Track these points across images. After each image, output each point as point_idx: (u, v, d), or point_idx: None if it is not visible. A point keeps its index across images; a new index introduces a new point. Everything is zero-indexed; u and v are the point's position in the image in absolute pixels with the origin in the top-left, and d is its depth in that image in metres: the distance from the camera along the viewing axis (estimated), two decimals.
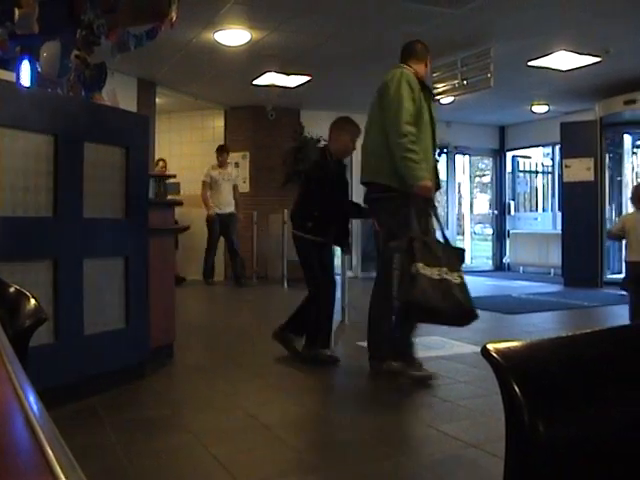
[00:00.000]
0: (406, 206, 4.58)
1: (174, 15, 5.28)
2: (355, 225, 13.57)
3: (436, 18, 7.75)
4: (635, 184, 9.68)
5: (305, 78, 10.75)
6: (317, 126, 13.00)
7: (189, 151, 12.91)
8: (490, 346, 1.01)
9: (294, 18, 7.84)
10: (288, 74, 10.49)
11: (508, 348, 1.02)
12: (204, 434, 3.49)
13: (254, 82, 10.89)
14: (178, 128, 13.21)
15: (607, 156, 12.09)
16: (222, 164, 11.87)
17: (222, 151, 11.88)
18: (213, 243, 11.86)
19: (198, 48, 8.93)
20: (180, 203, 6.17)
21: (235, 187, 11.98)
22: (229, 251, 11.93)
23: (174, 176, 9.88)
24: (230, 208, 11.81)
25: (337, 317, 6.56)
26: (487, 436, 3.57)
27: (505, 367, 0.97)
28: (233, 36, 8.39)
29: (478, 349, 5.72)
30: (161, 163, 11.78)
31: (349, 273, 8.44)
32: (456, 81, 9.69)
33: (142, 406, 4.18)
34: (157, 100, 11.36)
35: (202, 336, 6.92)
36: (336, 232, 5.64)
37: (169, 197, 6.65)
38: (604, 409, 0.97)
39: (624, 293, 7.85)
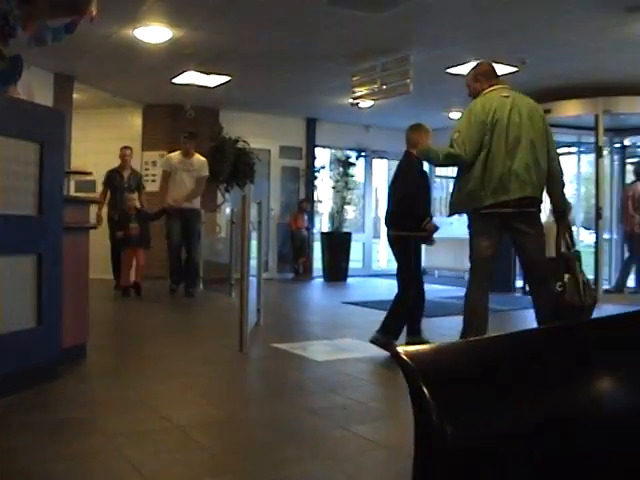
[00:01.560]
0: None
1: (94, 10, 5.20)
2: (272, 227, 13.60)
3: (357, 23, 7.83)
4: None
5: (225, 78, 10.70)
6: (236, 127, 12.96)
7: (106, 148, 12.63)
8: (400, 349, 1.03)
9: (215, 17, 7.81)
10: (208, 73, 10.42)
11: (417, 351, 1.05)
12: (118, 437, 3.45)
13: (173, 80, 10.79)
14: (95, 125, 12.97)
15: None
16: (187, 152, 10.34)
17: (190, 138, 10.33)
18: (173, 244, 10.28)
19: (117, 44, 8.81)
20: (96, 201, 6.09)
21: (200, 180, 10.36)
22: (186, 253, 10.39)
23: (90, 173, 9.67)
24: (193, 203, 10.31)
25: (252, 318, 6.54)
26: (399, 437, 3.62)
27: (414, 370, 0.99)
28: (153, 33, 8.30)
29: None
30: (127, 151, 10.92)
31: (265, 274, 8.44)
32: (375, 86, 9.80)
33: (54, 408, 4.09)
34: (74, 96, 11.12)
35: (115, 337, 6.83)
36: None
37: (84, 194, 6.55)
38: (512, 411, 1.00)
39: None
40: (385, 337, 5.88)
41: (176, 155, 10.44)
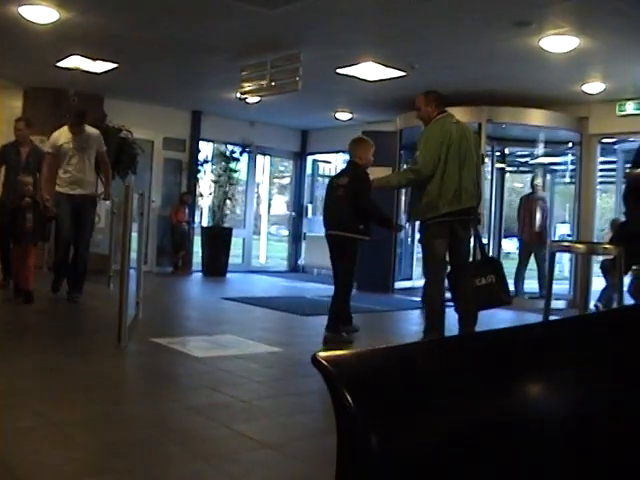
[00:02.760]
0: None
1: None
2: (152, 220, 13.37)
3: (249, 17, 7.76)
4: None
5: (111, 65, 10.42)
6: (120, 116, 12.66)
7: None
8: (321, 354, 0.99)
9: (105, 2, 7.59)
10: (94, 59, 10.13)
11: (339, 357, 1.02)
12: None
13: (58, 64, 10.43)
14: None
15: (404, 167, 12.57)
16: (76, 130, 8.25)
17: (78, 117, 8.29)
18: (63, 237, 8.36)
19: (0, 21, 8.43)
20: None
21: (103, 157, 8.60)
22: (74, 249, 8.39)
23: None
24: (87, 189, 8.30)
25: (131, 311, 6.39)
26: (283, 436, 3.62)
27: (337, 376, 0.96)
28: (39, 13, 7.96)
29: (272, 349, 5.87)
30: (20, 124, 8.88)
31: (144, 267, 8.28)
32: (264, 82, 9.75)
33: None
34: None
35: None
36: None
37: None
38: (437, 420, 0.99)
39: (414, 299, 8.39)
40: (335, 335, 6.46)
41: (64, 133, 8.30)
